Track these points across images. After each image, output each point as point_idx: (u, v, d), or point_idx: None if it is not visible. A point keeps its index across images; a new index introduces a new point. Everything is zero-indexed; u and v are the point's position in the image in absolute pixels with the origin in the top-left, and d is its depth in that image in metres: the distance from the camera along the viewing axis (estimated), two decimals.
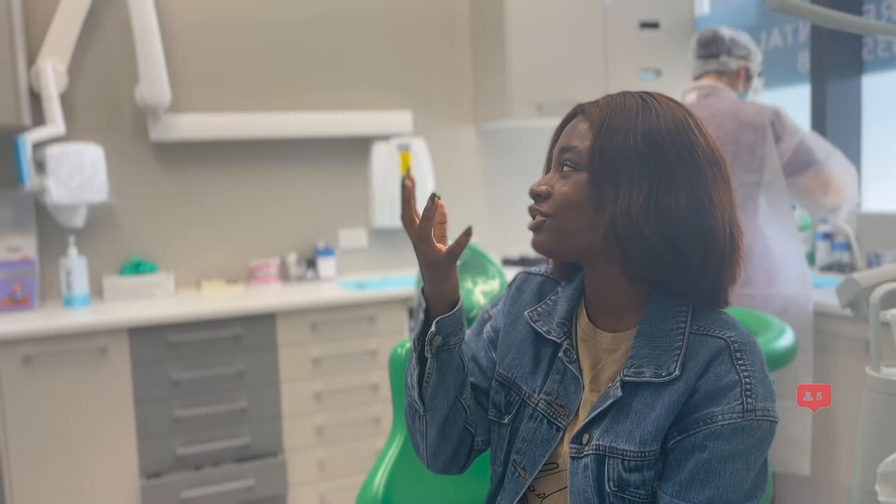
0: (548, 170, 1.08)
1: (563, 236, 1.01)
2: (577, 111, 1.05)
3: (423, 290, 1.04)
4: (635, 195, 0.95)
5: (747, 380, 0.94)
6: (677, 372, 0.96)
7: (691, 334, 0.99)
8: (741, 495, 0.94)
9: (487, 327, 1.20)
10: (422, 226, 0.98)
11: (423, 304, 1.04)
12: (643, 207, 0.95)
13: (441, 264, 1.00)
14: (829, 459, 2.40)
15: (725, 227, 0.99)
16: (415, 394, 1.08)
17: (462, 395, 1.11)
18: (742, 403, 0.93)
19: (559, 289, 1.13)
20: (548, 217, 1.01)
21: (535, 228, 1.04)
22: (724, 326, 0.99)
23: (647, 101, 1.01)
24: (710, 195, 0.97)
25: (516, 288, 1.19)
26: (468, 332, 1.23)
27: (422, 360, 1.05)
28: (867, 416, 1.04)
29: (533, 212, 1.04)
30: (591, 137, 0.99)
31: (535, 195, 1.04)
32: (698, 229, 0.96)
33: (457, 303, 1.03)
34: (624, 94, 1.03)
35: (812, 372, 2.36)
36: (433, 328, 1.01)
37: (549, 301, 1.13)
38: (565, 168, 1.01)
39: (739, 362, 0.95)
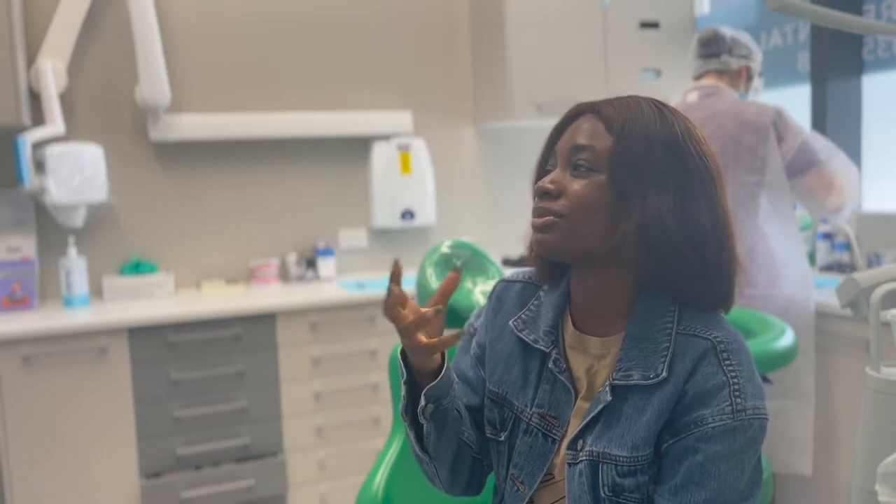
0: (543, 167, 1.05)
1: (575, 238, 0.98)
2: (585, 109, 1.02)
3: (402, 356, 1.01)
4: (665, 202, 0.95)
5: (735, 380, 0.94)
6: (664, 374, 0.96)
7: (678, 334, 0.98)
8: (737, 495, 0.94)
9: (473, 343, 1.18)
10: (415, 330, 0.94)
11: (405, 375, 1.01)
12: (673, 215, 0.95)
13: (427, 352, 0.96)
14: (829, 459, 2.40)
15: (733, 233, 1.01)
16: (416, 449, 1.07)
17: (464, 435, 1.10)
18: (731, 404, 0.93)
19: (541, 293, 1.11)
20: (560, 217, 0.98)
21: (542, 227, 0.99)
22: (710, 326, 0.99)
23: (660, 108, 1.00)
24: (723, 203, 1.00)
25: (496, 299, 1.16)
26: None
27: (416, 424, 1.04)
28: (867, 417, 1.04)
29: (541, 210, 1.00)
30: (611, 139, 0.97)
31: (544, 192, 1.00)
32: (716, 237, 0.98)
33: (441, 367, 1.00)
34: (636, 98, 1.02)
35: (813, 372, 2.36)
36: (423, 401, 0.99)
37: (531, 307, 1.11)
38: (581, 168, 0.98)
39: (726, 363, 0.95)
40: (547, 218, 0.99)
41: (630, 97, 1.02)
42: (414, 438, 1.05)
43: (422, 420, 1.01)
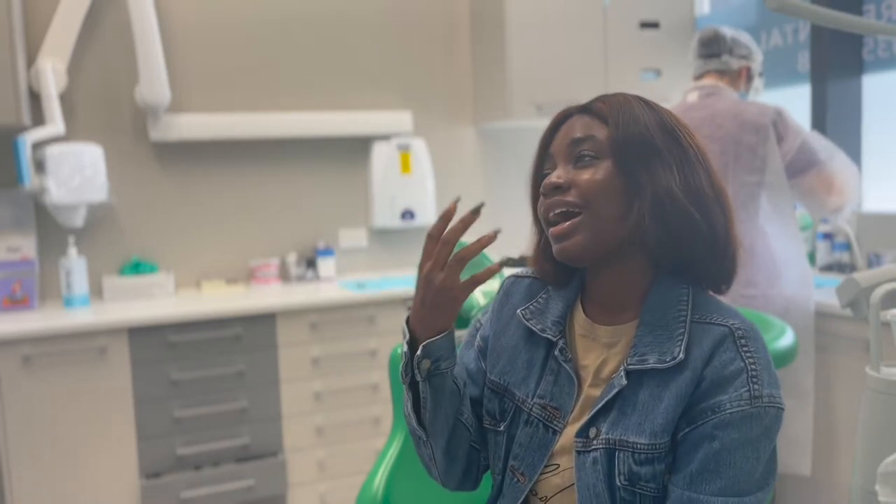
0: (539, 173, 1.07)
1: (601, 231, 0.98)
2: (573, 111, 1.06)
3: (407, 322, 1.01)
4: (671, 176, 0.98)
5: (753, 366, 0.95)
6: (681, 356, 0.96)
7: (693, 323, 0.99)
8: (752, 485, 0.94)
9: (478, 337, 1.18)
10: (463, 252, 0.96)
11: (407, 336, 1.00)
12: (681, 187, 0.98)
13: (454, 295, 0.96)
14: (829, 459, 2.40)
15: (731, 204, 1.04)
16: (413, 422, 1.06)
17: (463, 416, 1.10)
18: (749, 390, 0.93)
19: (549, 287, 1.13)
20: (580, 212, 0.98)
21: (567, 233, 0.99)
22: (726, 314, 1.00)
23: (645, 100, 1.05)
24: (717, 177, 1.03)
25: (504, 293, 1.17)
26: (462, 339, 1.22)
27: (413, 388, 1.03)
28: (867, 417, 1.04)
29: (553, 205, 1.00)
30: (607, 127, 1.01)
31: (553, 187, 1.00)
32: (719, 204, 1.01)
33: (445, 329, 1.00)
34: (621, 93, 1.06)
35: (813, 372, 2.36)
36: (420, 352, 0.98)
37: (540, 299, 1.12)
38: (586, 158, 1.00)
39: (745, 349, 0.96)
40: (570, 222, 0.99)
41: (615, 93, 1.06)
42: (411, 408, 1.05)
43: (417, 377, 1.00)
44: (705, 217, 0.99)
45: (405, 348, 1.01)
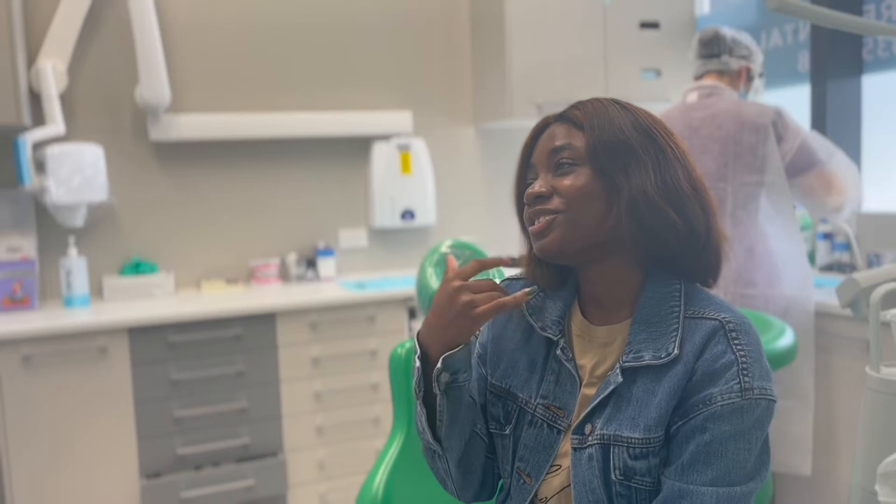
0: (522, 184, 1.09)
1: (576, 230, 1.00)
2: (550, 121, 1.08)
3: (418, 337, 1.01)
4: (647, 177, 0.99)
5: (743, 359, 0.95)
6: (676, 351, 0.97)
7: (686, 318, 1.00)
8: (744, 475, 0.94)
9: (476, 343, 1.18)
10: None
11: (419, 352, 1.01)
12: (657, 187, 0.99)
13: (477, 314, 0.97)
14: (829, 459, 2.40)
15: (712, 199, 1.05)
16: (429, 436, 1.06)
17: (477, 427, 1.11)
18: (739, 382, 0.94)
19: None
20: (558, 213, 1.01)
21: (544, 230, 1.02)
22: (718, 308, 1.01)
23: (620, 102, 1.07)
24: (698, 173, 1.04)
25: None
26: None
27: (428, 402, 1.04)
28: (867, 417, 1.04)
29: (537, 214, 1.03)
30: (583, 134, 1.02)
31: (535, 196, 1.03)
32: (699, 203, 1.02)
33: (462, 343, 1.00)
34: (596, 98, 1.08)
35: (813, 372, 2.36)
36: (440, 364, 0.98)
37: (538, 297, 1.12)
38: (564, 166, 1.02)
39: (735, 342, 0.96)
40: (546, 218, 1.02)
41: (590, 99, 1.07)
42: (426, 423, 1.05)
43: (436, 390, 1.00)
44: (682, 214, 1.00)
45: (417, 363, 1.01)
